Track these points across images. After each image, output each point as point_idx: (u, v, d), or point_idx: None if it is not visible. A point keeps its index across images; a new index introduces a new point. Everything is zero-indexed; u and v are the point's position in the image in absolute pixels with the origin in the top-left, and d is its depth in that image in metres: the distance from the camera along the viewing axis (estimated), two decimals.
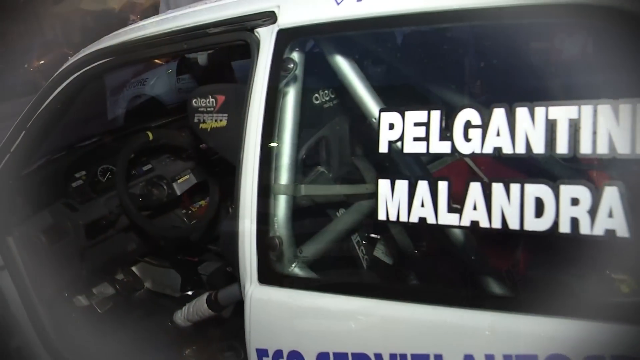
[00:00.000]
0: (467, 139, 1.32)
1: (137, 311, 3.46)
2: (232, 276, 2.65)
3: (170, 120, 3.45)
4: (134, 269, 3.60)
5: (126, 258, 3.32)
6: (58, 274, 2.84)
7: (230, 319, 2.62)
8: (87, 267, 2.98)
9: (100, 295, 3.41)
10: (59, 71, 2.30)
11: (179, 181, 2.95)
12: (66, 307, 3.26)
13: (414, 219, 1.37)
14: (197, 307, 2.22)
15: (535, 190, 1.25)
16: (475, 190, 1.30)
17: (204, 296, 2.21)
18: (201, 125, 1.87)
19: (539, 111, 1.26)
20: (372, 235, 2.02)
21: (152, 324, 2.99)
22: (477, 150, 1.31)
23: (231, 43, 1.84)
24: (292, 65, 1.64)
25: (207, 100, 1.85)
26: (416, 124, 1.37)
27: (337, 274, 1.85)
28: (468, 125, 1.32)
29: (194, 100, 1.87)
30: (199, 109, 1.86)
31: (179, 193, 2.95)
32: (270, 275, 1.64)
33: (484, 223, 1.29)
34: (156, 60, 5.96)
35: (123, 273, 3.53)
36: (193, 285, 3.33)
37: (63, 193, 2.90)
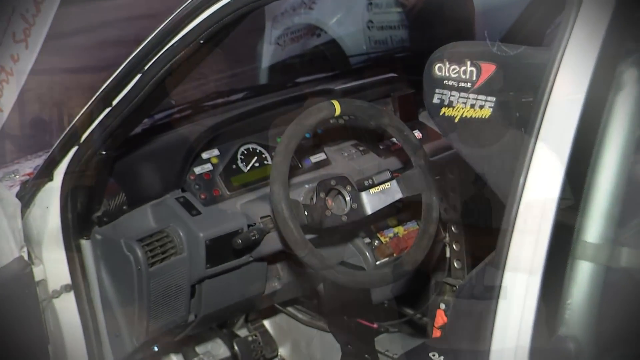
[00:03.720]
0: None
1: None
2: None
3: (361, 83, 3.45)
4: (266, 323, 3.66)
5: (257, 305, 3.38)
6: (150, 312, 2.92)
7: None
8: (197, 310, 3.05)
9: (206, 358, 3.51)
10: None
11: (371, 191, 2.90)
12: None
13: None
14: None
15: None
16: None
17: None
18: (444, 109, 1.86)
19: None
20: None
21: None
22: None
23: None
24: None
25: (463, 68, 1.83)
26: None
27: None
28: None
29: (437, 66, 1.87)
30: (446, 82, 1.85)
31: (369, 211, 2.88)
32: None
33: None
34: None
35: (248, 328, 3.61)
36: None
37: (179, 182, 2.98)
